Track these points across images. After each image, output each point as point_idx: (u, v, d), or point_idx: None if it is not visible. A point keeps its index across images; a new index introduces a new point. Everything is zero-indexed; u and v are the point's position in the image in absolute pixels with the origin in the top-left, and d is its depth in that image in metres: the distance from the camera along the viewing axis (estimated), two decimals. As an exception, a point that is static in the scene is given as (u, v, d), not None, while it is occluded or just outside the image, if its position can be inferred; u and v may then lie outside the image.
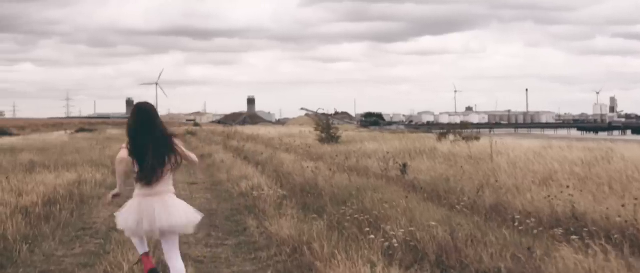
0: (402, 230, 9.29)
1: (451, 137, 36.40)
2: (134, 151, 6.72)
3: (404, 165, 19.31)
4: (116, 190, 7.05)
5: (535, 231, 9.56)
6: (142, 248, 7.15)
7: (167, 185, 6.83)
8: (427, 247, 8.83)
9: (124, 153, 6.78)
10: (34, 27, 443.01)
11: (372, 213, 11.30)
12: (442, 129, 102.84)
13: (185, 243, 10.74)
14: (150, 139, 6.67)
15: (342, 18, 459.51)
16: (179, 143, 6.89)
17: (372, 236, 9.18)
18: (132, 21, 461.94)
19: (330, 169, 18.49)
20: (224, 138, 49.38)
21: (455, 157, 22.57)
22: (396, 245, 8.85)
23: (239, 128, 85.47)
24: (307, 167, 19.17)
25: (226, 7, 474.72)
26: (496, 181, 14.65)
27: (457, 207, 12.56)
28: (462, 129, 42.51)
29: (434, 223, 9.35)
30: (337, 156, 24.37)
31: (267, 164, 23.91)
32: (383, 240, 9.08)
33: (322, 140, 37.16)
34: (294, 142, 37.07)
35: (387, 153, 22.12)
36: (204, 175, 23.19)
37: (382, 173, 19.10)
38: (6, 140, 44.58)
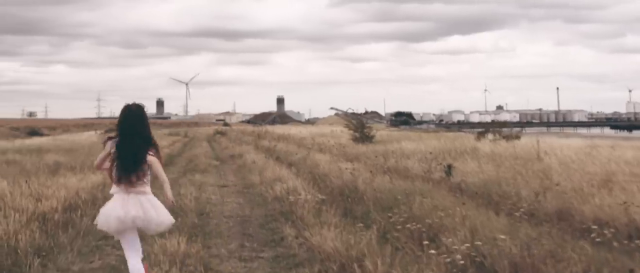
0: (467, 244, 8.03)
1: (490, 136, 35.21)
2: (118, 148, 6.92)
3: (449, 167, 18.05)
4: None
5: (615, 243, 8.30)
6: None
7: (144, 186, 7.00)
8: (497, 263, 7.58)
9: (98, 160, 7.13)
10: (66, 30, 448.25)
11: (425, 221, 10.09)
12: (473, 128, 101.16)
13: (216, 256, 9.62)
14: (136, 141, 6.92)
15: (370, 18, 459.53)
16: (153, 156, 7.08)
17: (433, 251, 7.93)
18: (163, 23, 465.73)
19: (371, 171, 17.23)
20: (255, 138, 48.27)
21: (499, 157, 21.33)
22: (461, 262, 7.62)
23: (269, 127, 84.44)
24: (345, 168, 17.95)
25: (256, 9, 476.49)
26: (557, 184, 13.32)
27: (516, 213, 11.30)
28: (501, 128, 40.98)
29: (503, 237, 8.08)
30: (376, 157, 23.14)
31: (301, 165, 22.78)
32: (445, 255, 7.84)
33: (356, 140, 35.96)
34: (327, 142, 35.90)
35: (430, 153, 20.81)
36: (235, 176, 22.09)
37: (424, 175, 17.86)
38: (35, 141, 43.88)
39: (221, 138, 58.95)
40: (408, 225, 9.74)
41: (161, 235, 10.16)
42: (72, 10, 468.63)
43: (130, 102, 7.19)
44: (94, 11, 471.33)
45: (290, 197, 14.17)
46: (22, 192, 13.09)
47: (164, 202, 7.24)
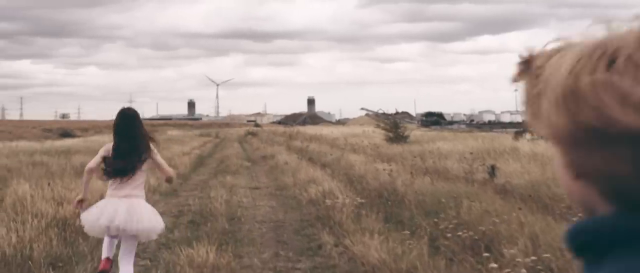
0: (533, 257, 7.09)
1: (528, 135, 34.18)
2: (114, 151, 6.89)
3: (493, 167, 17.09)
4: (80, 196, 7.26)
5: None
6: (106, 252, 7.17)
7: (138, 190, 6.98)
8: (568, 279, 6.66)
9: (93, 163, 7.00)
10: (97, 32, 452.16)
11: (477, 228, 9.17)
12: (504, 128, 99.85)
13: (248, 267, 8.76)
14: (131, 141, 6.87)
15: (399, 19, 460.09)
16: (155, 151, 7.07)
17: (495, 265, 7.00)
18: (192, 24, 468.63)
19: (412, 173, 16.33)
20: (286, 139, 47.39)
21: (542, 157, 20.32)
22: (528, 277, 6.70)
23: (300, 128, 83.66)
24: (384, 169, 17.05)
25: (285, 10, 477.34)
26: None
27: (573, 218, 10.34)
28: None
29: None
30: (414, 157, 22.20)
31: (336, 166, 21.95)
32: (508, 270, 6.90)
33: (389, 140, 35.02)
34: (361, 142, 35.01)
35: (470, 153, 19.84)
36: (267, 178, 21.29)
37: (466, 176, 16.92)
38: (65, 142, 43.43)
39: (252, 139, 58.23)
40: (459, 233, 8.82)
41: (188, 243, 9.39)
42: (102, 13, 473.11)
43: (126, 106, 7.36)
44: (124, 13, 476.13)
45: (327, 201, 13.26)
46: (44, 196, 12.34)
47: (166, 175, 7.25)
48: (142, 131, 7.00)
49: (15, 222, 9.67)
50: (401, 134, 35.49)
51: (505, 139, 32.78)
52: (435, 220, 10.29)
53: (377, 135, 43.01)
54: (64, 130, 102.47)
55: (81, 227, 10.51)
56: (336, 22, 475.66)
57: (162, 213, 12.96)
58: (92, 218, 6.85)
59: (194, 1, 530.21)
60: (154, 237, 7.40)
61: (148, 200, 14.11)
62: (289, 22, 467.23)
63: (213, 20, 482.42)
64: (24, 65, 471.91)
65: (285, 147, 37.36)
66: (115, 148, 6.91)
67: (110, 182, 6.95)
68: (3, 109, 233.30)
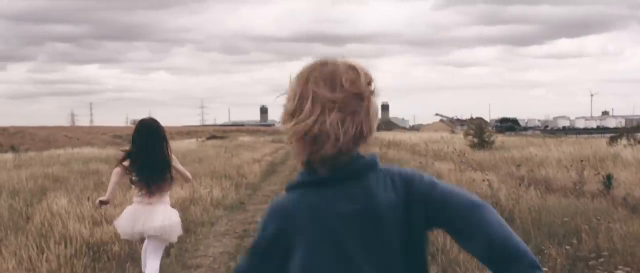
0: None
1: (623, 141, 31.46)
2: (135, 164, 6.76)
3: (608, 177, 14.64)
4: (105, 197, 6.99)
5: None
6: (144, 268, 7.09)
7: (163, 197, 6.98)
8: None
9: (120, 168, 6.82)
10: (166, 35, 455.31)
11: (628, 259, 6.89)
12: (579, 134, 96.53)
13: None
14: (151, 156, 6.77)
15: (476, 21, 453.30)
16: (175, 160, 7.01)
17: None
18: (263, 27, 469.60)
19: (520, 184, 14.00)
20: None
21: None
22: None
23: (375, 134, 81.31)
24: (482, 180, 14.71)
25: (358, 13, 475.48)
26: None
27: None
28: (635, 132, 36.83)
29: None
30: (509, 164, 19.79)
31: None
32: None
33: (474, 146, 32.57)
34: (443, 148, 32.58)
35: (581, 161, 17.29)
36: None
37: (574, 188, 14.50)
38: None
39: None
40: (617, 271, 6.52)
41: None
42: (171, 16, 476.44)
43: (145, 118, 7.14)
44: (194, 16, 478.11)
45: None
46: (80, 213, 10.36)
47: (186, 181, 7.43)
48: (163, 147, 6.86)
49: (34, 249, 7.68)
50: (487, 139, 32.96)
51: (598, 145, 30.10)
52: (567, 246, 8.03)
53: (456, 140, 40.72)
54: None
55: (120, 254, 8.61)
56: (411, 25, 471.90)
57: (224, 233, 10.97)
58: (121, 224, 6.98)
59: (265, 3, 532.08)
60: (175, 239, 7.33)
61: (211, 216, 12.09)
62: (362, 24, 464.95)
63: (284, 22, 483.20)
64: (92, 70, 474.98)
65: (361, 153, 35.01)
66: (135, 161, 6.76)
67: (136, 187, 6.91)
68: (73, 115, 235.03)
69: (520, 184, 13.70)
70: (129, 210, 7.03)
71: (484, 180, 14.31)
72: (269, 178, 22.83)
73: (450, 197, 1.97)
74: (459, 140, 49.09)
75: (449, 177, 17.34)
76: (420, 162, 22.80)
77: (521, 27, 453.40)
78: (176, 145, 49.62)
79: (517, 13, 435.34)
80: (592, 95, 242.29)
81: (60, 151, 38.98)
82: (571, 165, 17.15)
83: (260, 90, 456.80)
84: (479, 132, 33.71)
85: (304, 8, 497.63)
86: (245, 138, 68.82)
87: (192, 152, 35.07)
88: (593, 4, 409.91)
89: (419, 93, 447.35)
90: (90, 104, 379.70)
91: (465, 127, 42.88)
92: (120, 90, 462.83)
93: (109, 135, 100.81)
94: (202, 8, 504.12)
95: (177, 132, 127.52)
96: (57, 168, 21.04)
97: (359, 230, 1.96)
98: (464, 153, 27.29)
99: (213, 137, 78.64)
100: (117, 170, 6.82)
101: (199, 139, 70.56)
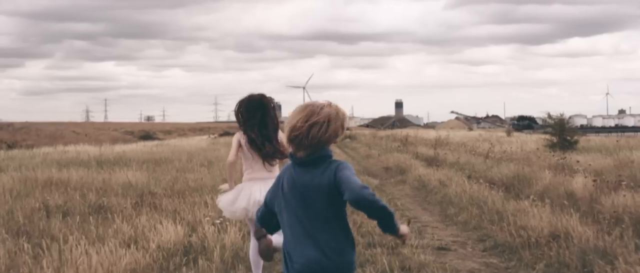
0: None
1: None
2: (251, 140, 6.82)
3: None
4: (226, 187, 7.12)
5: None
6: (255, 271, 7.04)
7: (273, 172, 6.88)
8: None
9: (232, 156, 6.86)
10: (181, 33, 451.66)
11: None
12: (597, 133, 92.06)
13: None
14: (262, 129, 6.84)
15: (488, 20, 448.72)
16: (281, 135, 6.98)
17: None
18: (277, 26, 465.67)
19: None
20: (399, 144, 38.41)
21: None
22: None
23: (397, 131, 74.99)
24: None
25: (371, 11, 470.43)
26: None
27: None
28: None
29: None
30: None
31: (524, 185, 14.13)
32: None
33: (553, 146, 26.39)
34: (507, 149, 26.26)
35: None
36: (428, 212, 12.98)
37: None
38: (131, 146, 36.03)
39: (353, 144, 49.75)
40: None
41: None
42: (187, 14, 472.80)
43: (254, 93, 6.98)
44: (209, 15, 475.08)
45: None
46: None
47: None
48: (272, 120, 6.86)
49: None
50: (569, 139, 26.74)
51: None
52: None
53: (505, 140, 34.94)
54: (146, 132, 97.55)
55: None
56: (423, 24, 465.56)
57: None
58: (228, 202, 6.88)
59: (279, 2, 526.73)
60: None
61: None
62: (375, 23, 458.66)
63: (298, 21, 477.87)
64: (108, 67, 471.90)
65: (410, 154, 28.34)
66: (250, 135, 6.79)
67: (244, 168, 6.91)
68: (87, 111, 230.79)
69: None
70: (236, 188, 6.88)
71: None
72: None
73: (345, 180, 3.61)
74: (510, 138, 42.93)
75: (582, 192, 11.24)
76: (488, 165, 16.53)
77: (533, 26, 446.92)
78: (185, 143, 43.72)
79: (529, 12, 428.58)
80: (607, 94, 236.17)
81: (51, 149, 33.82)
82: None
83: (273, 87, 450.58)
84: (560, 130, 27.46)
85: (318, 7, 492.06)
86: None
87: (202, 151, 28.80)
88: (605, 3, 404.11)
89: (432, 91, 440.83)
90: (105, 100, 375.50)
91: (481, 124, 37.07)
92: (135, 87, 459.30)
93: (120, 131, 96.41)
94: (217, 7, 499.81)
95: (190, 129, 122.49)
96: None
97: (302, 193, 3.73)
98: (538, 155, 21.20)
99: (226, 133, 72.83)
100: (229, 161, 6.87)
101: (211, 136, 65.12)
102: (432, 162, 23.11)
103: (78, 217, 9.17)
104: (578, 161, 17.98)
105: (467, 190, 13.78)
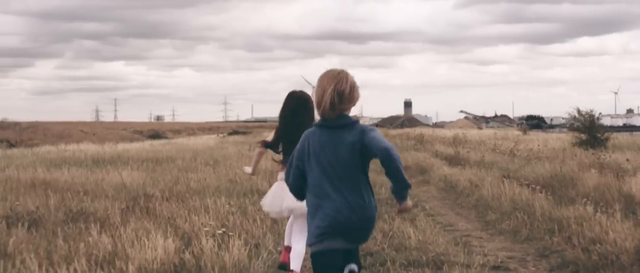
0: None
1: None
2: (284, 138, 6.80)
3: None
4: (249, 170, 7.26)
5: None
6: (287, 241, 7.00)
7: None
8: None
9: (269, 141, 6.92)
10: (191, 33, 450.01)
11: None
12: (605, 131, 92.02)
13: None
14: (301, 128, 5.88)
15: (498, 20, 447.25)
16: None
17: None
18: (286, 26, 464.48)
19: None
20: (414, 142, 36.87)
21: None
22: None
23: (408, 130, 73.29)
24: None
25: (381, 11, 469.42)
26: None
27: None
28: None
29: None
30: None
31: (555, 185, 12.83)
32: None
33: (581, 143, 24.76)
34: (532, 146, 24.60)
35: None
36: (459, 215, 11.35)
37: None
38: (134, 145, 34.44)
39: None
40: None
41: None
42: (196, 14, 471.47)
43: (295, 90, 7.02)
44: (218, 14, 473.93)
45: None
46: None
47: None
48: (310, 115, 6.74)
49: None
50: (599, 136, 25.12)
51: None
52: None
53: (522, 138, 33.52)
54: (155, 132, 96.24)
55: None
56: (433, 23, 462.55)
57: None
58: (268, 201, 6.83)
59: (288, 2, 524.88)
60: None
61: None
62: (385, 23, 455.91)
63: (307, 21, 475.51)
64: (117, 67, 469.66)
65: (429, 153, 26.64)
66: (283, 135, 6.78)
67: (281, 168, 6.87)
68: (97, 110, 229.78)
69: None
70: (275, 187, 6.87)
71: None
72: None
73: (376, 140, 3.97)
74: (527, 137, 41.34)
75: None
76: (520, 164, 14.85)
77: (543, 25, 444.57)
78: (192, 141, 42.09)
79: (539, 11, 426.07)
80: (616, 93, 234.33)
81: (53, 148, 32.22)
82: None
83: (283, 87, 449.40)
84: (590, 127, 25.83)
85: (328, 7, 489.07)
86: (271, 137, 60.94)
87: (210, 150, 27.12)
88: (615, 3, 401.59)
89: (441, 90, 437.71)
90: (115, 100, 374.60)
91: (490, 124, 35.97)
92: (145, 86, 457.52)
93: (129, 131, 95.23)
94: (227, 7, 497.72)
95: (199, 128, 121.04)
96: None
97: (334, 152, 4.06)
98: (565, 154, 19.61)
99: (235, 132, 71.41)
100: (259, 149, 6.97)
101: (220, 135, 63.61)
102: (453, 160, 21.44)
103: (47, 227, 7.54)
104: (628, 159, 16.26)
105: (506, 192, 12.05)
